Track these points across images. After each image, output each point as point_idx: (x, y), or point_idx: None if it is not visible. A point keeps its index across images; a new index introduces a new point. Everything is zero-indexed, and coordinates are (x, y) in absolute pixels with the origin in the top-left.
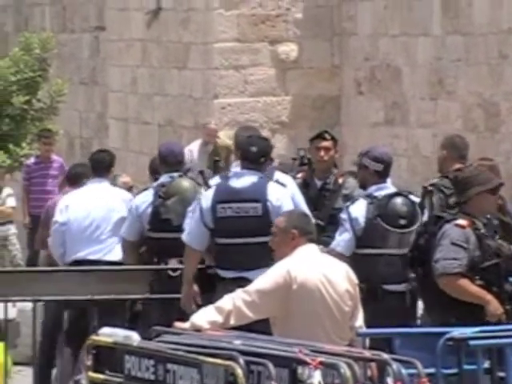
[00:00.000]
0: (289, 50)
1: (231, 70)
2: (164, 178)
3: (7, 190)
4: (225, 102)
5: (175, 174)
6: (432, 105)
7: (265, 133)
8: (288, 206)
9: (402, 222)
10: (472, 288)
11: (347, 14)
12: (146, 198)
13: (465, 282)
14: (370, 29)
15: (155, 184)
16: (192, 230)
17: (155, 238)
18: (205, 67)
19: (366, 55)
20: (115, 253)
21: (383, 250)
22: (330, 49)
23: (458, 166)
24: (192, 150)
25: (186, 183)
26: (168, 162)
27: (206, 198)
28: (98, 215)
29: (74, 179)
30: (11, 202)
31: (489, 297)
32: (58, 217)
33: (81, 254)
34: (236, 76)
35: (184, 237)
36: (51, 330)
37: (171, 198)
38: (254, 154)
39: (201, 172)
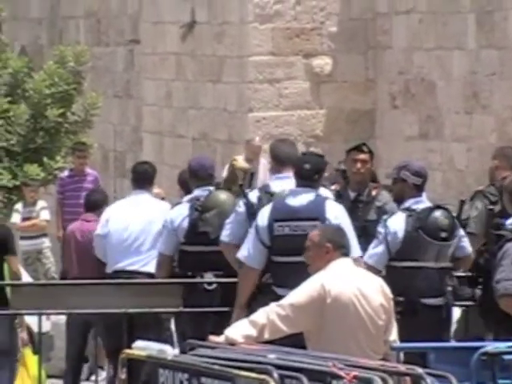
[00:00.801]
0: (323, 63)
1: (266, 83)
2: (198, 192)
3: (41, 203)
4: (259, 115)
5: (210, 188)
6: (467, 119)
7: (299, 146)
8: (346, 224)
9: (443, 234)
10: None
11: (382, 28)
12: (181, 212)
13: None
14: (404, 42)
15: (189, 197)
16: (249, 248)
17: (190, 251)
18: (239, 81)
19: (401, 69)
20: (153, 264)
21: (421, 263)
22: (364, 62)
23: (505, 174)
24: None
25: (224, 196)
26: (199, 176)
27: (262, 216)
28: (137, 227)
29: (91, 206)
30: (45, 215)
31: None
32: (99, 229)
33: (120, 265)
34: (270, 89)
35: (241, 256)
36: (76, 356)
37: (210, 211)
38: (308, 171)
39: (240, 185)
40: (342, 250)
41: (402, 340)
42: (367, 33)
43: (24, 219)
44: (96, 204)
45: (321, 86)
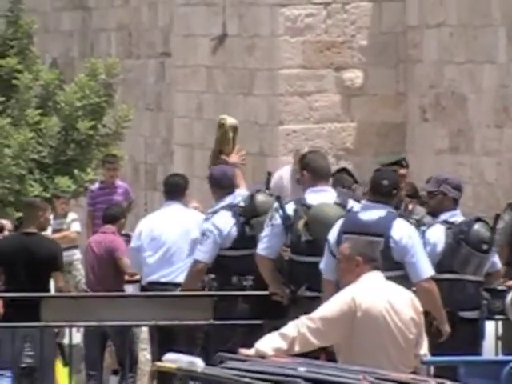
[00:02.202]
0: (354, 76)
1: (296, 96)
2: (230, 199)
3: (72, 215)
4: (290, 128)
5: (234, 193)
6: (497, 132)
7: (330, 159)
8: (414, 244)
9: (485, 246)
10: None
11: (412, 41)
12: (227, 220)
13: None
14: (435, 56)
15: (222, 205)
16: (325, 260)
17: (233, 256)
18: (270, 93)
19: (431, 82)
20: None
21: (461, 275)
22: (395, 76)
23: None
24: (282, 177)
25: (267, 199)
26: (222, 184)
27: (334, 227)
28: (169, 238)
29: (108, 219)
30: (76, 226)
31: None
32: (133, 243)
33: (153, 277)
34: (301, 102)
35: (320, 268)
36: (96, 366)
37: (262, 216)
38: (386, 187)
39: (277, 197)
40: (373, 263)
41: (438, 353)
42: (398, 46)
43: (54, 231)
44: (113, 217)
45: (351, 99)
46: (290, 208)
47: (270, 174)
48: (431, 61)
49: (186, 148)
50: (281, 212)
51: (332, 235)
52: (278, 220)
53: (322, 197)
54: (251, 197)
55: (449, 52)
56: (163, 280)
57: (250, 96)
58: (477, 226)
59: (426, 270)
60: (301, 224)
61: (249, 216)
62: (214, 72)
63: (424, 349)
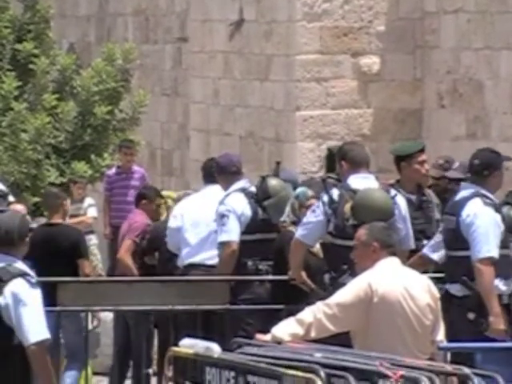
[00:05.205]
0: (371, 62)
1: (313, 82)
2: (242, 183)
3: (89, 200)
4: (306, 114)
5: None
6: None
7: None
8: (478, 225)
9: None
10: None
11: (430, 27)
12: (240, 200)
13: None
14: (452, 42)
15: (235, 188)
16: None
17: (249, 240)
18: (287, 79)
19: (449, 68)
20: None
21: None
22: (412, 62)
23: None
24: None
25: (278, 182)
26: (228, 170)
27: None
28: (210, 219)
29: (136, 200)
30: (93, 211)
31: None
32: (172, 223)
33: (196, 259)
34: (318, 88)
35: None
36: (121, 352)
37: (274, 197)
38: (477, 166)
39: (323, 180)
40: (389, 248)
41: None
42: (415, 32)
43: (71, 216)
44: (142, 198)
45: (368, 85)
46: (335, 193)
47: (278, 164)
48: (448, 47)
49: (202, 134)
50: (325, 197)
51: None
52: (320, 208)
53: (366, 182)
54: (262, 179)
55: (466, 38)
56: (209, 263)
57: (266, 82)
58: (505, 210)
59: (483, 250)
60: (347, 207)
61: (261, 198)
62: (230, 57)
63: (440, 335)
